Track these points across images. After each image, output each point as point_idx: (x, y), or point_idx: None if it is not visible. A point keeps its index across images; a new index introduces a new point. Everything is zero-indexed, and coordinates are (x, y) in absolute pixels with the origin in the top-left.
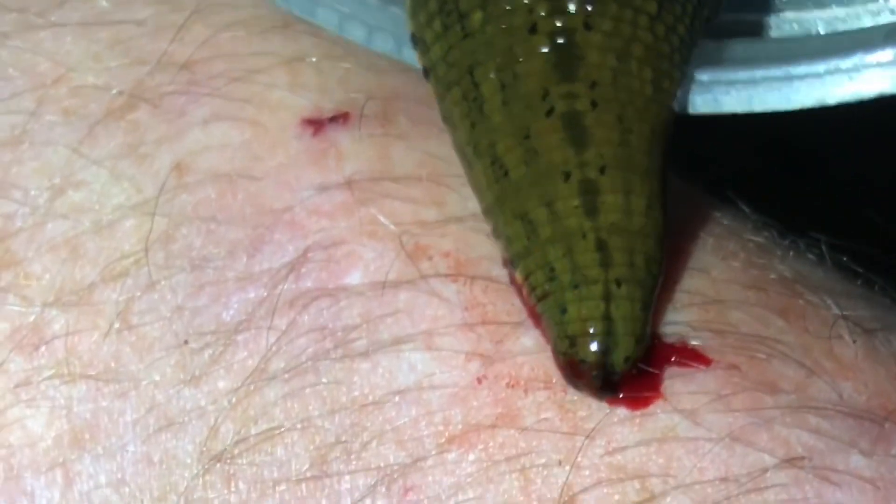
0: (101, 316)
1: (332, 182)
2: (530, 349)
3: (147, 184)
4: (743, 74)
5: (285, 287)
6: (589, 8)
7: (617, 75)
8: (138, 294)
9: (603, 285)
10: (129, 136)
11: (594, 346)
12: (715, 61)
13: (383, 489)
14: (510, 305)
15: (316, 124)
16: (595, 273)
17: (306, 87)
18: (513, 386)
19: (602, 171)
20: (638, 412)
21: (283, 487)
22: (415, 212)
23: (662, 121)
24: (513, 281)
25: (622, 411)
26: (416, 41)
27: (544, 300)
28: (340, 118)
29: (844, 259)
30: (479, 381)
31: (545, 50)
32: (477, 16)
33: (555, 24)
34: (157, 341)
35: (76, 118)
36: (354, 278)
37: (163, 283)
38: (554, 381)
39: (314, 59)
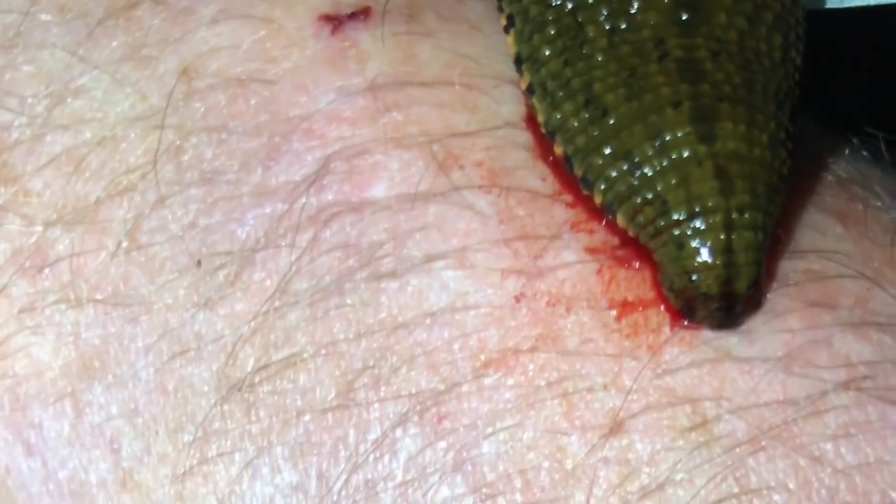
0: (108, 235)
1: (353, 86)
2: (572, 263)
3: (152, 90)
4: None
5: (305, 201)
6: None
7: (744, 37)
8: (147, 211)
9: (724, 214)
10: (131, 36)
11: (717, 280)
12: None
13: (415, 417)
14: (549, 218)
15: (335, 21)
16: (715, 202)
17: None
18: (553, 304)
19: (720, 99)
20: (688, 334)
21: (307, 417)
22: (444, 118)
23: (789, 86)
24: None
25: (672, 332)
26: None
27: (657, 237)
28: (361, 14)
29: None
30: (517, 299)
31: (667, 1)
32: None
33: None
34: (169, 261)
35: (73, 17)
36: (380, 191)
37: (173, 198)
38: (598, 298)
39: None
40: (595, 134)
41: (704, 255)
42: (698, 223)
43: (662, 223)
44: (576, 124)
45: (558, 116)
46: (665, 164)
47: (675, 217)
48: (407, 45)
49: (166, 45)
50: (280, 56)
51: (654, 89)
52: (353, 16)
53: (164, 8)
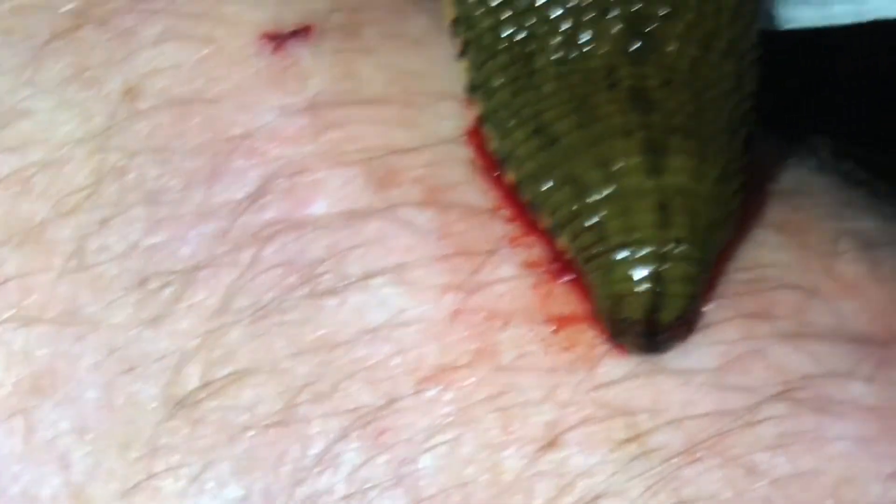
0: (55, 255)
1: (294, 104)
2: (509, 278)
3: (97, 111)
4: None
5: (246, 219)
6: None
7: (696, 65)
8: (93, 230)
9: (657, 245)
10: (75, 58)
11: (642, 307)
12: None
13: (356, 432)
14: (487, 233)
15: (276, 39)
16: (650, 234)
17: None
18: (491, 319)
19: (671, 132)
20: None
21: (251, 433)
22: (384, 134)
23: (742, 113)
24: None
25: (607, 344)
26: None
27: (592, 261)
28: (303, 32)
29: (847, 166)
30: (455, 315)
31: (617, 31)
32: None
33: (629, 10)
34: (115, 281)
35: (19, 39)
36: (320, 208)
37: (117, 218)
38: (535, 312)
39: None
40: (544, 160)
41: (631, 282)
42: (631, 252)
43: (599, 249)
44: (525, 151)
45: (508, 144)
46: (609, 192)
47: (610, 244)
48: (348, 62)
49: (110, 66)
50: (222, 75)
51: (604, 118)
52: (294, 34)
53: (108, 29)
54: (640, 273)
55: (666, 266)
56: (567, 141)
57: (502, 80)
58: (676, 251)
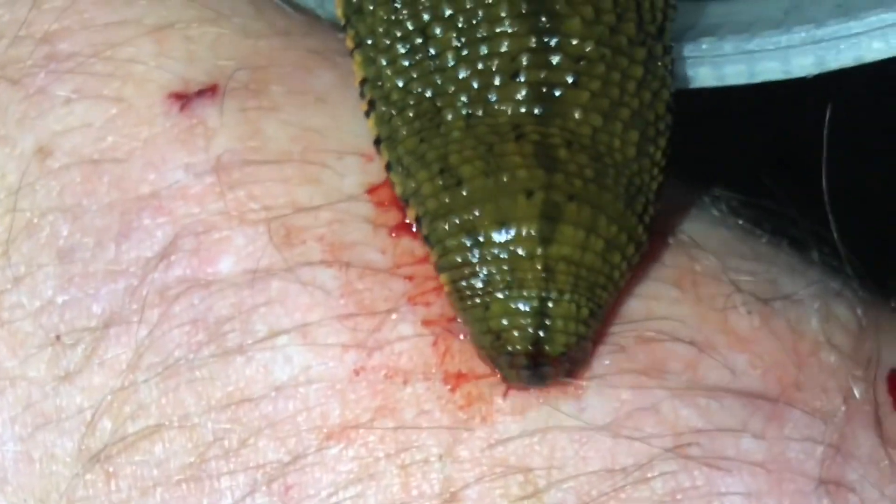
0: None
1: (200, 162)
2: (409, 336)
3: (10, 169)
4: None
5: (155, 276)
6: (576, 65)
7: (597, 133)
8: (8, 287)
9: (539, 291)
10: None
11: (523, 339)
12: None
13: (264, 488)
14: (388, 291)
15: (183, 99)
16: (533, 282)
17: (173, 57)
18: (391, 377)
19: (569, 198)
20: (519, 404)
21: (162, 487)
22: (288, 192)
23: (642, 181)
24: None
25: (503, 402)
26: (364, 55)
27: (470, 300)
28: (209, 91)
29: (746, 218)
30: (357, 372)
31: (523, 95)
32: (450, 55)
33: (537, 77)
34: (30, 337)
35: None
36: (226, 266)
37: (31, 276)
38: (433, 370)
39: (182, 26)
40: (446, 201)
41: (515, 317)
42: (514, 293)
43: (479, 288)
44: (429, 189)
45: (412, 185)
46: (502, 253)
47: (495, 287)
48: (253, 121)
49: (23, 125)
50: (131, 134)
51: (510, 169)
52: (200, 93)
53: (21, 88)
54: (523, 308)
55: (549, 306)
56: (470, 186)
57: (410, 130)
58: (559, 297)
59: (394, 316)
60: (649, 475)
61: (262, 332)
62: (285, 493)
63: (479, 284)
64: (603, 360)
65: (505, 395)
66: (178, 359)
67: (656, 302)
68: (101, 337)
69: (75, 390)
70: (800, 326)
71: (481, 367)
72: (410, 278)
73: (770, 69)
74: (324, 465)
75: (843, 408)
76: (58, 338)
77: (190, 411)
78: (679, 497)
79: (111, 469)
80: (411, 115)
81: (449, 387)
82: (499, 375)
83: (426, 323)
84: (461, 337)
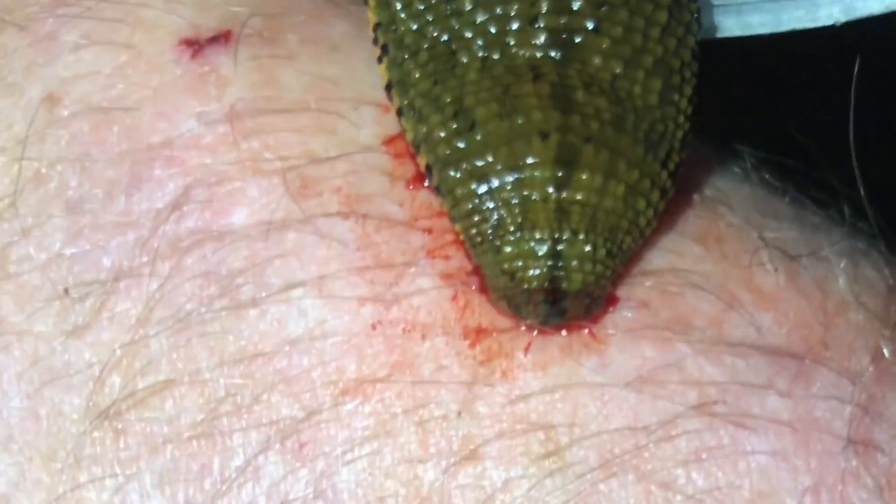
0: None
1: (213, 112)
2: (427, 290)
3: (17, 118)
4: None
5: (167, 228)
6: (597, 10)
7: (617, 79)
8: (15, 239)
9: (550, 230)
10: None
11: (539, 277)
12: None
13: (277, 445)
14: (405, 244)
15: (195, 45)
16: (545, 221)
17: (184, 2)
18: (409, 331)
19: (586, 140)
20: (541, 359)
21: (173, 444)
22: (303, 143)
23: (666, 128)
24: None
25: (525, 357)
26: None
27: (484, 244)
28: (221, 38)
29: (770, 175)
30: (374, 327)
31: (542, 40)
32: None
33: (556, 22)
34: (37, 290)
35: None
36: (240, 218)
37: (39, 227)
38: (452, 324)
39: None
40: (458, 146)
41: (529, 258)
42: (527, 234)
43: (490, 234)
44: (442, 134)
45: (424, 130)
46: (514, 198)
47: (503, 230)
48: (267, 69)
49: (31, 72)
50: (141, 82)
51: (525, 111)
52: (213, 40)
53: (28, 34)
54: (536, 248)
55: (562, 247)
56: (484, 130)
57: (423, 73)
58: (573, 237)
59: (412, 269)
60: (673, 433)
61: (277, 284)
62: (299, 450)
63: (491, 229)
64: (626, 315)
65: (526, 349)
66: (189, 312)
67: (680, 257)
68: (110, 290)
69: (84, 345)
70: (827, 284)
71: (502, 322)
72: (429, 231)
73: (796, 17)
74: (339, 421)
75: (871, 368)
76: (66, 291)
77: (201, 366)
78: (704, 456)
79: (120, 426)
80: (425, 57)
81: (468, 341)
82: (516, 320)
83: (445, 276)
84: (482, 291)
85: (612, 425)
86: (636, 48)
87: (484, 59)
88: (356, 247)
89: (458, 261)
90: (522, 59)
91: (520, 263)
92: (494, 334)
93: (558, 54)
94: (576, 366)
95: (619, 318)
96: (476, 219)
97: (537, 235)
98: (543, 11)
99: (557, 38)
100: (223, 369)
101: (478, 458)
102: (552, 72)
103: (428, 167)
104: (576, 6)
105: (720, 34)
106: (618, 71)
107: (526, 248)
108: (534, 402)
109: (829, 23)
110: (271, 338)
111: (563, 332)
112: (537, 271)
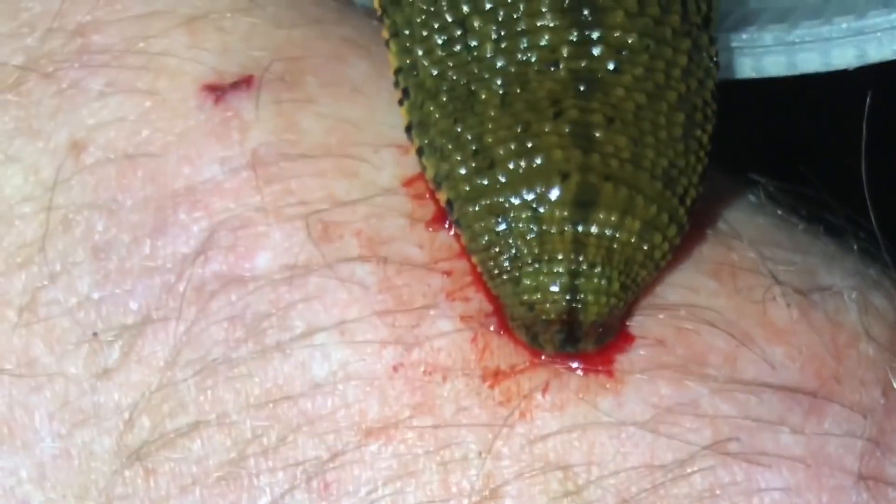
0: (9, 307)
1: (235, 156)
2: (448, 332)
3: (44, 164)
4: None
5: (192, 272)
6: (618, 55)
7: (641, 110)
8: (44, 283)
9: (568, 263)
10: (22, 111)
11: (556, 308)
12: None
13: (303, 485)
14: (426, 287)
15: (217, 91)
16: (562, 254)
17: (207, 48)
18: (430, 373)
19: (605, 178)
20: (559, 400)
21: (202, 484)
22: (324, 187)
23: (687, 163)
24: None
25: (543, 398)
26: (400, 45)
27: (501, 276)
28: (244, 83)
29: (783, 203)
30: (396, 369)
31: (562, 76)
32: (488, 46)
33: (577, 66)
34: (67, 333)
35: None
36: (263, 262)
37: (66, 272)
38: (472, 366)
39: (215, 16)
40: (478, 183)
41: (546, 290)
42: (542, 266)
43: (508, 266)
44: (462, 171)
45: (446, 167)
46: (531, 232)
47: (521, 261)
48: (288, 113)
49: (56, 119)
50: (165, 128)
51: (546, 150)
52: (235, 85)
53: (54, 82)
54: (554, 281)
55: (579, 280)
56: (504, 168)
57: (443, 113)
58: (589, 270)
59: (432, 311)
60: (689, 471)
61: (301, 328)
62: (324, 490)
63: (508, 261)
64: (642, 354)
65: (545, 390)
66: (216, 356)
67: (694, 293)
68: (138, 334)
69: (113, 387)
70: (838, 317)
71: (520, 364)
72: (448, 273)
73: (810, 61)
74: (363, 462)
75: (882, 401)
76: (95, 334)
77: (228, 408)
78: (718, 493)
79: (150, 466)
80: (444, 99)
81: (488, 383)
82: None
83: (465, 318)
84: (500, 333)
85: (629, 464)
86: (659, 84)
87: (504, 95)
88: (377, 290)
89: (476, 302)
90: (543, 92)
91: (538, 296)
92: (513, 376)
93: (580, 86)
94: (593, 406)
95: (635, 356)
96: (494, 251)
97: (555, 269)
98: (564, 56)
99: (578, 75)
100: (250, 411)
101: (498, 498)
102: (573, 106)
103: (448, 202)
104: (595, 51)
105: (735, 76)
106: (642, 102)
107: (544, 280)
108: (552, 441)
109: (842, 67)
110: (296, 380)
111: (580, 371)
112: (556, 304)
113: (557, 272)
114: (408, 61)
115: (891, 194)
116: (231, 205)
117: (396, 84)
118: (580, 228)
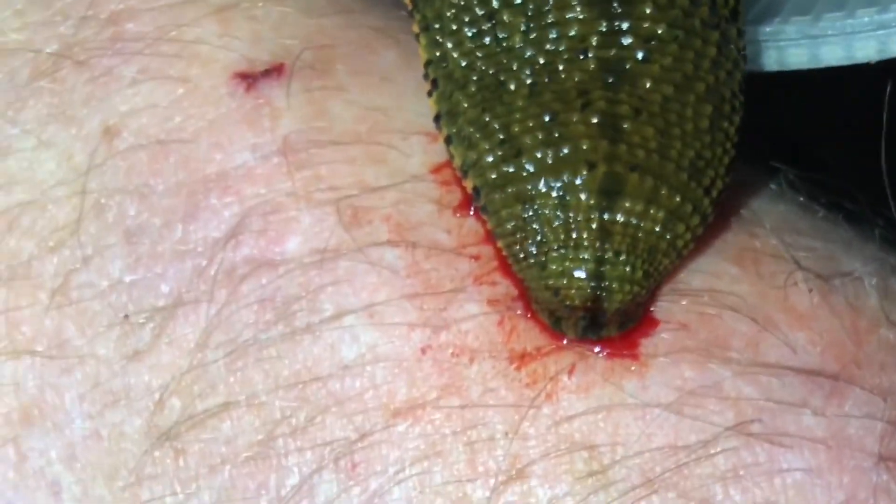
0: (42, 289)
1: (266, 143)
2: (475, 315)
3: (77, 150)
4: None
5: (223, 256)
6: (647, 44)
7: (668, 102)
8: (77, 266)
9: (594, 250)
10: (56, 97)
11: (581, 295)
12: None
13: (331, 465)
14: (454, 271)
15: (248, 79)
16: (588, 241)
17: (238, 37)
18: (457, 355)
19: (632, 168)
20: (584, 382)
21: (231, 464)
22: (354, 173)
23: (713, 154)
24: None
25: (569, 379)
26: (430, 38)
27: (527, 260)
28: (274, 71)
29: (804, 191)
30: (424, 351)
31: (591, 67)
32: (517, 37)
33: (606, 55)
34: (98, 315)
35: (1, 79)
36: (293, 246)
37: (99, 255)
38: (499, 348)
39: (246, 5)
40: (505, 171)
41: (571, 276)
42: (567, 252)
43: (534, 251)
44: (490, 159)
45: (473, 156)
46: (559, 223)
47: (547, 247)
48: (318, 101)
49: (89, 106)
50: (197, 115)
51: (573, 140)
52: (266, 73)
53: (87, 69)
54: (579, 268)
55: (604, 268)
56: (531, 157)
57: (471, 102)
58: (614, 258)
59: (460, 295)
60: (712, 451)
61: (330, 311)
62: (352, 470)
63: (535, 246)
64: (666, 338)
65: (571, 372)
66: (246, 338)
67: (717, 279)
68: (169, 316)
69: (144, 369)
70: (858, 303)
71: (546, 346)
72: (476, 258)
73: (833, 54)
74: (390, 442)
75: None
76: (126, 317)
77: (258, 389)
78: (741, 473)
79: (180, 446)
80: (473, 89)
81: (515, 365)
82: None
83: (492, 302)
84: (527, 316)
85: (654, 444)
86: (687, 75)
87: (532, 85)
88: (406, 274)
89: (503, 286)
90: (571, 82)
91: (564, 281)
92: (539, 357)
93: (608, 78)
94: (618, 388)
95: (659, 340)
96: (520, 236)
97: (581, 255)
98: (593, 45)
99: (607, 65)
100: (279, 392)
101: (524, 477)
102: (601, 97)
103: (475, 189)
104: (625, 41)
105: (759, 68)
106: (669, 93)
107: (570, 266)
108: (578, 422)
109: (865, 60)
110: (325, 362)
111: (604, 354)
112: (580, 290)
113: (583, 258)
114: (437, 54)
115: None
116: (262, 190)
117: (426, 76)
118: (606, 217)
